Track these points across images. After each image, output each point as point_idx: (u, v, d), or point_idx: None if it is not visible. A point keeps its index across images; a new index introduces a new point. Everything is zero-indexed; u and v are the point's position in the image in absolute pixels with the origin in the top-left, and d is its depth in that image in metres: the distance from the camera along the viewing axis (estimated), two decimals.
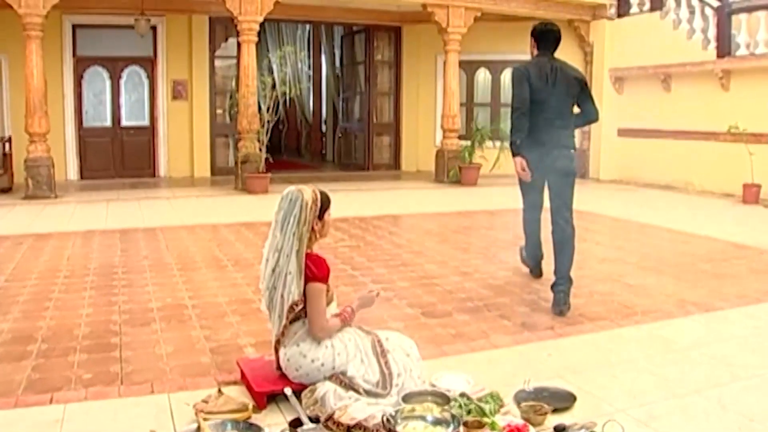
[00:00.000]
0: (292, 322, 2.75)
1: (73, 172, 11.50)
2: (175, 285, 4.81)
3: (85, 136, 11.58)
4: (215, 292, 4.61)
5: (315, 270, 2.73)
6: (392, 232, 6.98)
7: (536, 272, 5.09)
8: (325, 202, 2.82)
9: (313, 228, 2.78)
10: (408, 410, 2.29)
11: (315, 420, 2.36)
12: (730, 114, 9.55)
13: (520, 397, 2.82)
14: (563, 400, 2.82)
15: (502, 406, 2.75)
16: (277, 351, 2.82)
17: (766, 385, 3.05)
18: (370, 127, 13.82)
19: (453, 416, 2.31)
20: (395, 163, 13.99)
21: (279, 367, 2.83)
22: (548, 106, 4.30)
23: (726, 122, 9.49)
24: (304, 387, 2.71)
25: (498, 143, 11.35)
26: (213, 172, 12.30)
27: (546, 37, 4.46)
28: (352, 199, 9.47)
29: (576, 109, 4.49)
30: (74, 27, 11.21)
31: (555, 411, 2.72)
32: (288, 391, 2.45)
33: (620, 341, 3.65)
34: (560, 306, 4.17)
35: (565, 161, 4.37)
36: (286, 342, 2.78)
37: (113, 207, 8.59)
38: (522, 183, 4.62)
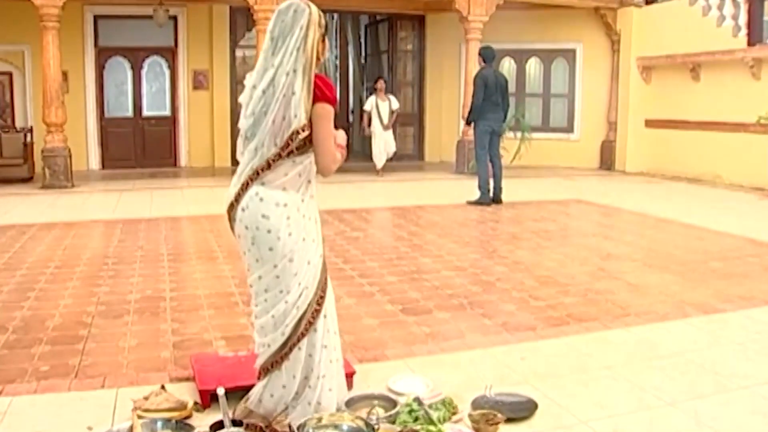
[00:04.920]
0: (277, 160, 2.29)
1: (94, 162, 11.64)
2: (160, 276, 4.76)
3: (106, 126, 11.70)
4: (197, 285, 4.54)
5: (325, 90, 2.29)
6: (397, 224, 6.83)
7: (488, 199, 8.01)
8: (327, 23, 2.41)
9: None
10: (317, 419, 2.15)
11: (238, 423, 2.24)
12: (760, 104, 9.09)
13: (477, 404, 2.66)
14: (523, 409, 2.64)
15: (454, 413, 2.60)
16: (235, 203, 2.37)
17: (751, 399, 2.81)
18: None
19: (367, 424, 2.16)
20: (419, 153, 13.78)
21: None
22: (495, 97, 7.94)
23: (757, 113, 9.03)
24: (240, 387, 2.60)
25: (519, 134, 11.09)
26: (234, 162, 12.28)
27: (489, 55, 8.12)
28: (366, 190, 9.35)
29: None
30: (95, 17, 11.31)
31: (511, 420, 2.55)
32: (220, 391, 2.33)
33: (603, 345, 3.44)
34: (498, 201, 8.04)
35: (501, 125, 8.27)
36: (268, 179, 2.30)
37: (126, 197, 8.64)
38: (482, 137, 8.05)
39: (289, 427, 2.16)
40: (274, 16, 2.31)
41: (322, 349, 2.41)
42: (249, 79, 2.36)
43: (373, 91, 11.25)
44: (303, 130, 2.25)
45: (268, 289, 2.37)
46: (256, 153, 2.31)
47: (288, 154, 2.29)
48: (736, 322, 3.82)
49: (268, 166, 2.29)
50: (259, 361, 2.47)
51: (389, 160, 11.25)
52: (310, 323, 2.39)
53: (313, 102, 2.27)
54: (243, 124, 2.36)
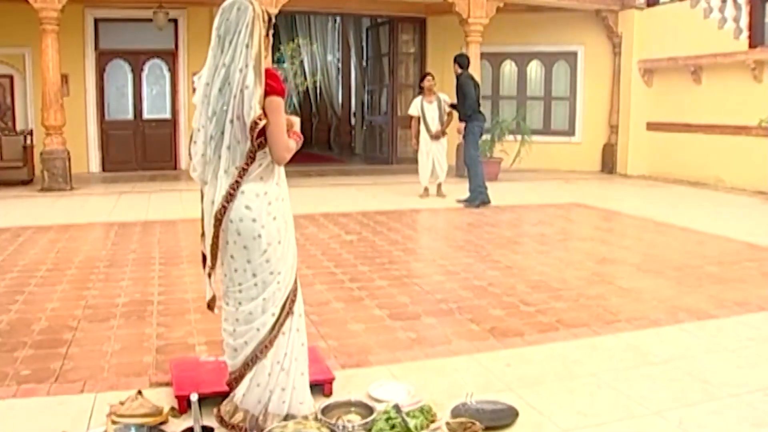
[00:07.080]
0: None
1: (95, 164, 11.63)
2: (150, 280, 4.74)
3: (107, 129, 11.70)
4: (186, 288, 4.51)
5: (274, 84, 2.36)
6: (391, 228, 6.78)
7: (487, 198, 8.13)
8: (271, 18, 2.48)
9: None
10: (281, 428, 2.12)
11: (208, 430, 2.21)
12: (762, 107, 9.02)
13: (456, 412, 2.62)
14: (503, 417, 2.60)
15: (433, 421, 2.55)
16: (223, 208, 2.38)
17: (740, 407, 2.75)
18: (394, 121, 13.61)
19: None
20: None
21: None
22: (477, 98, 8.31)
23: (758, 115, 8.96)
24: (218, 393, 2.57)
25: (519, 137, 11.04)
26: None
27: (465, 61, 8.41)
28: (364, 193, 9.31)
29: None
30: (96, 21, 11.32)
31: (490, 429, 2.51)
32: (193, 397, 2.31)
33: (591, 352, 3.39)
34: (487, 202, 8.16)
35: (484, 125, 8.65)
36: (249, 176, 2.38)
37: (124, 200, 8.64)
38: (475, 137, 8.29)
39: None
40: (218, 15, 2.38)
41: (295, 332, 2.48)
42: (199, 79, 2.41)
43: (419, 90, 8.91)
44: (260, 119, 2.31)
45: (257, 273, 2.42)
46: (233, 151, 2.37)
47: (260, 146, 2.36)
48: (729, 328, 3.76)
49: (252, 159, 2.37)
50: (248, 349, 2.45)
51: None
52: (293, 302, 2.49)
53: (265, 96, 2.34)
54: (206, 125, 2.39)
